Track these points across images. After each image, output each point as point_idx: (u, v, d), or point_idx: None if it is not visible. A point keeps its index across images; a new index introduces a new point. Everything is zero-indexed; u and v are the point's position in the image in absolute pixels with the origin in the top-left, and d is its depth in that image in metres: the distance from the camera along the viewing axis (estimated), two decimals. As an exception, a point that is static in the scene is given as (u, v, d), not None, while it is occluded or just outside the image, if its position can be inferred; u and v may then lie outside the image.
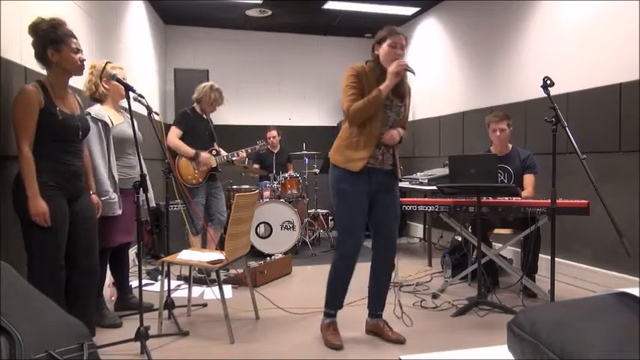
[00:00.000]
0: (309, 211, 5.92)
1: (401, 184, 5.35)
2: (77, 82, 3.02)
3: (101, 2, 4.06)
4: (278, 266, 4.39)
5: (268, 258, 4.48)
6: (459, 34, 5.86)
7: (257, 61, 7.48)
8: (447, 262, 4.23)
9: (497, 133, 3.87)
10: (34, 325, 1.42)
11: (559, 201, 3.13)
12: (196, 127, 4.27)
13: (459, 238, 4.10)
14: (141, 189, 2.58)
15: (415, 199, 3.84)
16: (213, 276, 3.72)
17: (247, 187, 5.59)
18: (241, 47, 7.40)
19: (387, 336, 2.85)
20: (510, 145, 3.98)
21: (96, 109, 3.06)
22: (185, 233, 4.45)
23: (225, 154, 4.36)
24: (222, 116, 6.60)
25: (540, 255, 3.72)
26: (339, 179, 2.78)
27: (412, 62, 7.02)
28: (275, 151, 6.12)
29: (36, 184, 2.33)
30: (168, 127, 4.53)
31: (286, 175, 5.57)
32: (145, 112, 2.95)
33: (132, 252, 4.01)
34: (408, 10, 6.47)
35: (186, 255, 3.13)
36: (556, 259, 3.03)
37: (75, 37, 2.52)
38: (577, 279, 4.03)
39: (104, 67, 3.11)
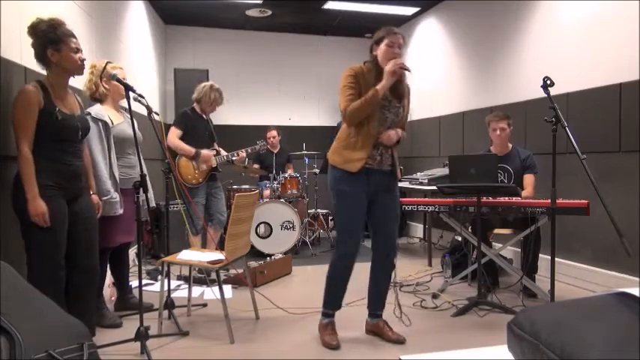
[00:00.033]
0: (309, 211, 5.92)
1: (401, 184, 5.36)
2: (77, 82, 3.02)
3: (101, 2, 4.06)
4: (278, 266, 4.39)
5: (268, 258, 4.48)
6: (459, 34, 5.86)
7: (257, 61, 7.48)
8: (447, 262, 4.23)
9: (498, 132, 3.87)
10: (34, 325, 1.42)
11: (559, 201, 3.13)
12: (196, 127, 4.27)
13: (459, 238, 4.10)
14: (141, 189, 2.58)
15: (415, 199, 3.84)
16: (213, 276, 3.72)
17: (247, 187, 5.59)
18: (241, 47, 7.40)
19: (387, 336, 2.85)
20: (510, 145, 3.98)
21: (96, 109, 3.06)
22: (185, 233, 4.45)
23: (226, 153, 4.37)
24: (222, 116, 6.60)
25: (540, 255, 3.72)
26: (338, 180, 2.78)
27: (412, 62, 7.05)
28: (275, 151, 6.12)
29: (35, 184, 2.33)
30: (168, 127, 4.53)
31: (286, 175, 5.57)
32: (145, 112, 2.95)
33: (132, 252, 4.01)
34: (408, 10, 6.47)
35: (186, 255, 3.13)
36: (556, 259, 3.04)
37: (74, 37, 2.51)
38: (577, 279, 4.03)
39: (104, 67, 3.11)
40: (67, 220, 2.50)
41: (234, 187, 5.51)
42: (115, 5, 4.53)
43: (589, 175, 2.58)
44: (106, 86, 3.14)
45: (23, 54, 2.62)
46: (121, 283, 3.39)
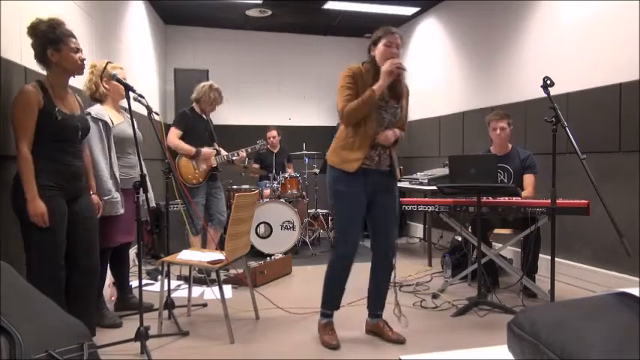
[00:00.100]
0: (309, 211, 5.92)
1: (401, 184, 5.37)
2: (77, 82, 3.02)
3: (101, 2, 4.06)
4: (278, 266, 4.39)
5: (268, 258, 4.48)
6: (459, 34, 5.86)
7: (257, 61, 7.48)
8: (447, 262, 4.23)
9: (498, 131, 3.87)
10: (34, 325, 1.42)
11: (559, 201, 3.13)
12: (196, 127, 4.27)
13: (459, 238, 4.10)
14: (141, 189, 2.58)
15: (415, 199, 3.84)
16: (213, 276, 3.72)
17: (247, 187, 5.59)
18: (241, 47, 7.40)
19: (387, 336, 2.85)
20: (510, 145, 3.98)
21: (96, 109, 3.06)
22: (185, 233, 4.45)
23: (226, 153, 4.37)
24: (222, 116, 6.60)
25: (540, 255, 3.72)
26: (336, 180, 2.79)
27: (412, 62, 7.06)
28: (275, 151, 6.12)
29: (34, 184, 2.33)
30: (168, 127, 4.54)
31: (286, 175, 5.57)
32: (145, 112, 2.95)
33: (132, 252, 4.01)
34: (408, 10, 6.47)
35: (186, 255, 3.13)
36: (556, 259, 3.04)
37: (74, 37, 2.51)
38: (577, 279, 4.03)
39: (105, 67, 3.11)
40: (67, 220, 2.50)
41: (234, 187, 5.51)
42: (115, 5, 4.53)
43: (589, 175, 2.58)
44: (106, 86, 3.14)
45: (23, 54, 2.62)
46: (121, 283, 3.39)
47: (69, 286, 2.54)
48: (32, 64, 2.55)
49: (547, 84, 2.88)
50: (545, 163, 3.61)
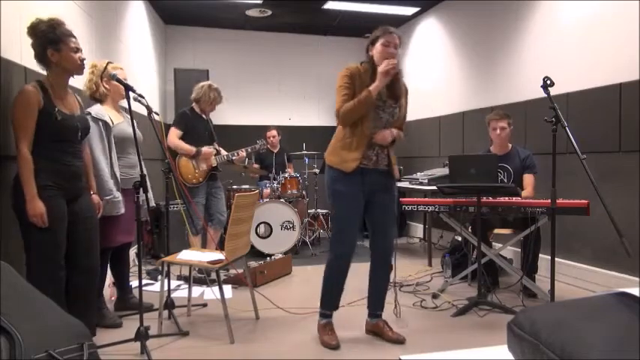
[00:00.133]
0: (309, 211, 5.92)
1: (401, 184, 5.37)
2: (78, 81, 3.02)
3: (101, 2, 4.06)
4: (278, 266, 4.39)
5: (268, 258, 4.48)
6: (459, 34, 5.86)
7: (257, 61, 7.48)
8: (447, 262, 4.23)
9: (498, 131, 3.87)
10: (34, 325, 1.42)
11: (559, 201, 3.13)
12: (196, 127, 4.28)
13: (459, 238, 4.10)
14: (141, 189, 2.58)
15: (415, 199, 3.84)
16: (213, 276, 3.72)
17: (247, 187, 5.59)
18: (241, 47, 7.40)
19: (387, 336, 2.85)
20: (510, 145, 3.98)
21: (96, 109, 3.06)
22: (185, 233, 4.45)
23: (226, 153, 4.37)
24: (222, 116, 6.60)
25: (540, 255, 3.72)
26: (334, 180, 2.79)
27: (412, 62, 7.05)
28: (275, 151, 6.12)
29: (34, 185, 2.33)
30: (168, 127, 4.54)
31: (286, 175, 5.57)
32: (144, 112, 2.95)
33: (132, 252, 4.01)
34: (408, 10, 6.47)
35: (186, 255, 3.13)
36: (556, 259, 3.03)
37: (74, 37, 2.51)
38: (577, 279, 4.03)
39: (105, 67, 3.11)
40: (67, 220, 2.50)
41: (234, 187, 5.51)
42: (115, 5, 4.53)
43: (589, 175, 2.58)
44: (107, 86, 3.14)
45: (23, 54, 2.62)
46: (122, 283, 3.39)
47: (69, 286, 2.54)
48: (32, 64, 2.55)
49: (547, 84, 2.88)
50: (545, 163, 3.61)
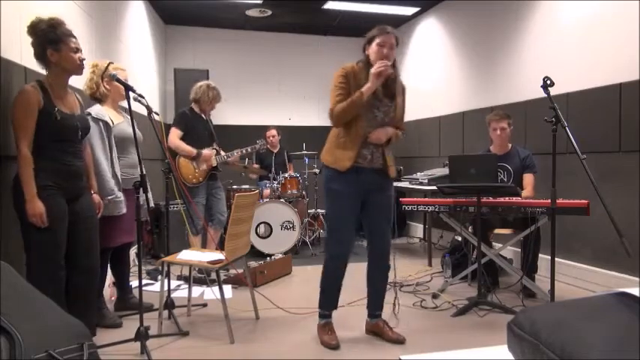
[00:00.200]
0: (309, 211, 5.92)
1: (401, 184, 5.38)
2: (78, 82, 3.02)
3: (101, 2, 4.06)
4: (278, 266, 4.39)
5: (268, 258, 4.48)
6: (459, 34, 5.86)
7: (257, 61, 7.48)
8: (447, 262, 4.23)
9: (498, 132, 3.88)
10: (34, 325, 1.42)
11: (559, 201, 3.13)
12: (196, 127, 4.27)
13: (459, 238, 4.10)
14: (141, 189, 2.58)
15: (415, 199, 3.84)
16: (213, 276, 3.72)
17: (247, 187, 5.59)
18: (241, 47, 7.40)
19: (387, 336, 2.85)
20: (510, 145, 3.99)
21: (96, 109, 3.06)
22: (185, 233, 4.45)
23: (225, 153, 4.37)
24: (222, 116, 6.60)
25: (540, 255, 3.72)
26: (329, 179, 2.80)
27: (412, 62, 7.04)
28: (275, 151, 6.12)
29: (34, 185, 2.33)
30: (168, 127, 4.53)
31: (286, 175, 5.57)
32: (144, 112, 2.95)
33: (132, 252, 4.01)
34: (408, 10, 6.47)
35: (186, 255, 3.13)
36: (556, 259, 3.03)
37: (74, 37, 2.51)
38: (577, 279, 4.03)
39: (106, 67, 3.11)
40: (67, 220, 2.50)
41: (234, 187, 5.51)
42: (115, 5, 4.53)
43: (589, 175, 2.58)
44: (107, 87, 3.14)
45: (23, 54, 2.62)
46: (122, 283, 3.39)
47: (69, 286, 2.55)
48: (32, 64, 2.55)
49: (547, 84, 2.88)
50: (545, 163, 3.61)
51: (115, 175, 3.04)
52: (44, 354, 1.37)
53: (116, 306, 3.36)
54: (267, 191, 5.61)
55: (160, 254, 4.41)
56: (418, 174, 5.26)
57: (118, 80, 2.74)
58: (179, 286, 4.02)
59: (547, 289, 3.13)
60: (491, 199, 3.51)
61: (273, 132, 6.20)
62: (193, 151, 4.17)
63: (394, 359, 2.50)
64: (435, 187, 4.30)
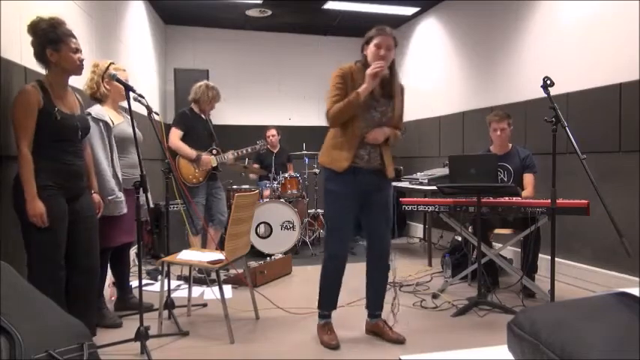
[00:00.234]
0: (309, 211, 5.92)
1: (401, 184, 5.38)
2: (78, 81, 3.02)
3: (101, 2, 4.06)
4: (278, 266, 4.39)
5: (268, 258, 4.48)
6: (459, 34, 5.86)
7: (257, 61, 7.48)
8: (447, 262, 4.23)
9: (498, 132, 3.88)
10: (34, 325, 1.42)
11: (559, 201, 3.13)
12: (195, 127, 4.27)
13: (459, 238, 4.10)
14: (141, 189, 2.58)
15: (415, 199, 3.84)
16: (213, 276, 3.72)
17: (247, 187, 5.59)
18: (241, 47, 7.40)
19: (387, 336, 2.85)
20: (510, 145, 3.99)
21: (96, 110, 3.06)
22: (185, 233, 4.45)
23: (223, 154, 4.37)
24: (222, 116, 6.60)
25: (540, 255, 3.72)
26: (327, 179, 2.81)
27: (412, 62, 7.03)
28: (275, 151, 6.12)
29: (34, 185, 2.33)
30: (168, 127, 4.53)
31: (286, 175, 5.57)
32: (144, 112, 2.95)
33: (132, 252, 4.01)
34: (408, 10, 6.47)
35: (186, 255, 3.13)
36: (556, 259, 3.03)
37: (74, 37, 2.51)
38: (577, 279, 4.03)
39: (107, 68, 3.11)
40: (67, 220, 2.50)
41: (234, 187, 5.52)
42: (115, 5, 4.53)
43: (589, 175, 2.58)
44: (107, 87, 3.14)
45: (23, 54, 2.62)
46: (122, 283, 3.39)
47: (69, 286, 2.55)
48: (32, 64, 2.55)
49: (547, 84, 2.88)
50: (545, 163, 3.61)
51: (115, 176, 3.04)
52: (44, 354, 1.37)
53: (116, 306, 3.36)
54: (267, 191, 5.61)
55: (160, 254, 4.41)
56: (418, 174, 5.26)
57: (118, 80, 2.74)
58: (179, 286, 4.02)
59: (547, 289, 3.13)
60: (491, 199, 3.51)
61: (273, 131, 6.21)
62: (193, 153, 4.17)
63: (394, 359, 2.50)
64: (435, 187, 4.30)
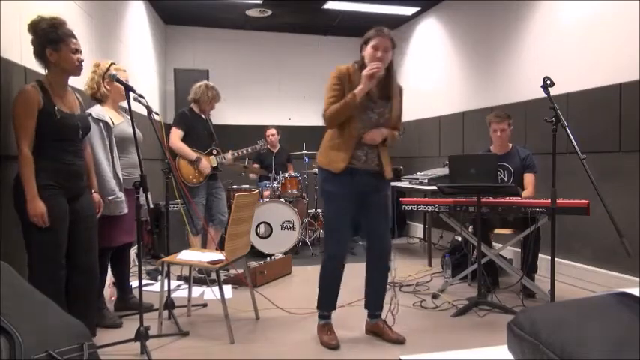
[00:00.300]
0: (309, 211, 5.91)
1: (401, 184, 5.38)
2: (79, 81, 3.02)
3: (101, 2, 4.06)
4: (278, 266, 4.39)
5: (268, 258, 4.48)
6: (459, 34, 5.86)
7: (257, 61, 7.48)
8: (447, 262, 4.23)
9: (498, 133, 3.88)
10: (34, 325, 1.42)
11: (559, 201, 3.13)
12: (195, 127, 4.27)
13: (459, 238, 4.10)
14: (141, 189, 2.58)
15: (415, 199, 3.84)
16: (213, 276, 3.72)
17: (247, 187, 5.59)
18: (241, 47, 7.40)
19: (387, 336, 2.85)
20: (510, 145, 3.99)
21: (96, 110, 3.06)
22: (185, 233, 4.45)
23: (223, 154, 4.37)
24: (222, 116, 6.60)
25: (540, 255, 3.72)
26: (324, 180, 2.80)
27: (412, 62, 7.02)
28: (275, 151, 6.12)
29: (34, 184, 2.33)
30: (168, 127, 4.53)
31: (286, 175, 5.57)
32: (145, 112, 2.95)
33: (132, 252, 4.01)
34: (408, 10, 6.47)
35: (186, 255, 3.13)
36: (556, 259, 3.04)
37: (75, 38, 2.51)
38: (577, 279, 4.03)
39: (108, 68, 3.11)
40: (68, 219, 2.50)
41: (234, 187, 5.51)
42: (115, 5, 4.53)
43: (589, 175, 2.58)
44: (107, 87, 3.14)
45: (23, 54, 2.62)
46: (122, 283, 3.39)
47: (69, 285, 2.55)
48: (32, 64, 2.55)
49: (547, 84, 2.88)
50: (545, 163, 3.61)
51: (116, 176, 3.04)
52: (44, 354, 1.37)
53: (116, 306, 3.36)
54: (267, 191, 5.61)
55: (160, 254, 4.40)
56: (418, 174, 5.26)
57: (118, 80, 2.74)
58: (179, 286, 4.02)
59: (547, 289, 3.13)
60: (491, 199, 3.51)
61: (273, 131, 6.21)
62: (193, 155, 4.17)
63: (394, 359, 2.50)
64: (435, 187, 4.30)
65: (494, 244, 3.97)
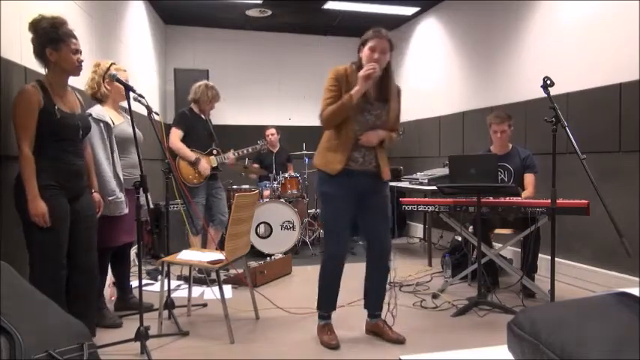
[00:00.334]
0: (309, 211, 5.92)
1: (401, 184, 5.38)
2: (79, 81, 3.02)
3: (101, 2, 4.06)
4: (278, 266, 4.39)
5: (268, 258, 4.48)
6: (459, 34, 5.86)
7: (257, 61, 7.48)
8: (447, 262, 4.23)
9: (499, 134, 3.88)
10: (34, 325, 1.42)
11: (559, 201, 3.13)
12: (195, 127, 4.27)
13: (459, 238, 4.10)
14: (141, 189, 2.58)
15: (415, 199, 3.84)
16: (213, 276, 3.72)
17: (247, 187, 5.59)
18: (241, 47, 7.40)
19: (387, 336, 2.85)
20: (510, 145, 3.99)
21: (97, 110, 3.06)
22: (185, 233, 4.45)
23: (223, 154, 4.37)
24: (222, 116, 6.60)
25: (540, 255, 3.72)
26: (321, 182, 2.80)
27: (412, 62, 7.02)
28: (275, 151, 6.12)
29: (35, 184, 2.33)
30: (168, 127, 4.53)
31: (286, 175, 5.57)
32: (145, 112, 2.95)
33: (132, 252, 4.01)
34: (408, 10, 6.46)
35: (186, 255, 3.13)
36: (556, 259, 3.03)
37: (75, 38, 2.51)
38: (577, 279, 4.03)
39: (108, 68, 3.11)
40: (69, 219, 2.50)
41: (234, 187, 5.51)
42: (115, 5, 4.53)
43: (589, 175, 2.58)
44: (108, 87, 3.14)
45: (23, 54, 2.62)
46: (122, 282, 3.39)
47: (69, 285, 2.55)
48: (32, 64, 2.55)
49: (547, 84, 2.88)
50: (545, 163, 3.61)
51: (116, 176, 3.04)
52: (44, 354, 1.37)
53: (116, 306, 3.36)
54: (267, 191, 5.61)
55: (160, 254, 4.40)
56: (418, 174, 5.26)
57: (118, 80, 2.74)
58: (179, 286, 4.02)
59: (547, 289, 3.13)
60: (491, 199, 3.51)
61: (272, 130, 6.21)
62: (192, 156, 4.17)
63: (394, 359, 2.50)
64: (435, 187, 4.30)
65: (494, 244, 3.97)
